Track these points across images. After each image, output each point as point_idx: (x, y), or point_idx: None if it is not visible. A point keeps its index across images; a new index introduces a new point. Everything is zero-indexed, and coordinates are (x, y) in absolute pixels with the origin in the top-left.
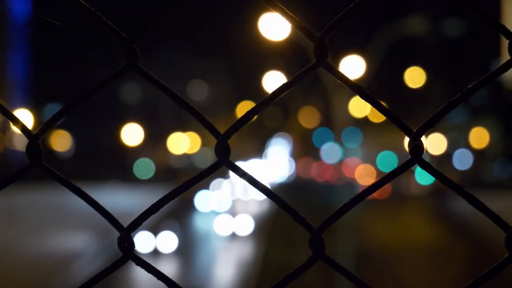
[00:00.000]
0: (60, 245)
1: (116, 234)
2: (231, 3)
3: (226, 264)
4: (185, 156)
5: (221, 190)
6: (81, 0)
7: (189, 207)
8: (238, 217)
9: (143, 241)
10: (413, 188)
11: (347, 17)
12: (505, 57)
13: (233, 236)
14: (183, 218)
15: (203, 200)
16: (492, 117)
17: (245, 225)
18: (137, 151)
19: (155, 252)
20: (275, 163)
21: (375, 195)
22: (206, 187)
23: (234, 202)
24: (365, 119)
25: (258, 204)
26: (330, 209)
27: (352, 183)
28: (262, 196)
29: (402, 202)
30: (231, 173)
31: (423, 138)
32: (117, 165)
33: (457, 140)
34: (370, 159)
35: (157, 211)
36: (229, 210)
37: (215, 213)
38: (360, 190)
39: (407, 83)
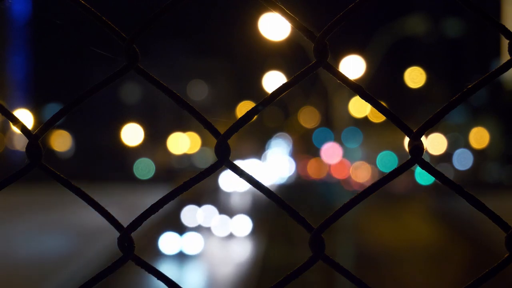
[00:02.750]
0: None
1: None
2: (231, 3)
3: None
4: (185, 156)
5: (193, 226)
6: (81, 0)
7: (153, 249)
8: None
9: None
10: (400, 187)
11: (347, 17)
12: (505, 57)
13: None
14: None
15: (170, 240)
16: (492, 117)
17: None
18: (137, 151)
19: None
20: (275, 163)
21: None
22: (177, 228)
23: (207, 235)
24: (365, 119)
25: (239, 243)
26: (330, 209)
27: (346, 181)
28: (244, 232)
29: (400, 202)
30: (206, 199)
31: (423, 138)
32: (117, 165)
33: (457, 140)
34: (370, 159)
35: (157, 211)
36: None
37: (184, 256)
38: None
39: (407, 83)
